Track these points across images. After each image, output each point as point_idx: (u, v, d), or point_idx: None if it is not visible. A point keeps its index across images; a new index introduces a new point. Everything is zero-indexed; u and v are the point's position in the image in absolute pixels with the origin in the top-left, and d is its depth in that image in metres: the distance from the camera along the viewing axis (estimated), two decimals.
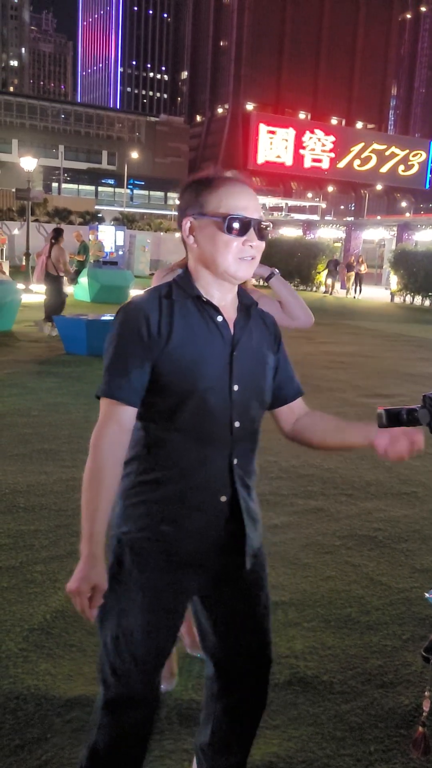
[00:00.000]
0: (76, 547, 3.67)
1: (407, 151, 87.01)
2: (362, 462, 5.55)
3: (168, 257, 29.86)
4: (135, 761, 1.73)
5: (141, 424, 1.64)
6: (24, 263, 22.06)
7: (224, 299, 1.67)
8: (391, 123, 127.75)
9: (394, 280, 26.55)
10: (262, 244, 1.63)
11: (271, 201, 78.42)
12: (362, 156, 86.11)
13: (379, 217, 46.83)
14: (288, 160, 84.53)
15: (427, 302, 25.75)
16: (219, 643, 1.79)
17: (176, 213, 1.83)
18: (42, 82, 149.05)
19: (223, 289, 1.66)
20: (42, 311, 11.89)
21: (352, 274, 28.05)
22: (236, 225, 1.57)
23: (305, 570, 3.62)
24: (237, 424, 1.64)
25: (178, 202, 1.72)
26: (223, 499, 1.65)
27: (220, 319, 1.64)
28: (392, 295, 26.70)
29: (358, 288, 27.81)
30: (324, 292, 28.61)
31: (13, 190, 31.88)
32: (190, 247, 1.65)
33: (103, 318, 9.86)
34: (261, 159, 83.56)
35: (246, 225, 1.58)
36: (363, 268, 28.30)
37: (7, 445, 5.50)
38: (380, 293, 29.23)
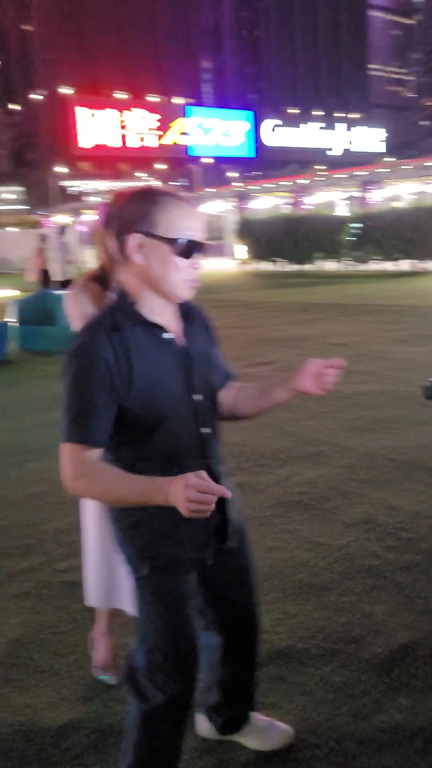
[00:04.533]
0: (12, 570, 3.53)
1: (229, 121, 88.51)
2: (265, 431, 5.68)
3: (8, 253, 28.73)
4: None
5: (114, 455, 1.66)
6: None
7: (168, 314, 1.69)
8: (209, 96, 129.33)
9: (240, 249, 27.13)
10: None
11: (102, 185, 77.21)
12: (185, 131, 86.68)
13: (210, 190, 47.49)
14: (113, 141, 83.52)
15: (274, 267, 26.56)
16: (218, 615, 1.98)
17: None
18: None
19: (165, 306, 1.68)
20: None
21: None
22: (189, 249, 1.60)
23: None
24: (204, 429, 1.72)
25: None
26: None
27: (167, 336, 1.67)
28: (241, 264, 27.31)
29: None
30: None
31: None
32: (133, 264, 1.61)
33: None
34: (85, 143, 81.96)
35: (195, 248, 1.63)
36: None
37: None
38: (226, 263, 29.75)
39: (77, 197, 63.33)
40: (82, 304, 2.38)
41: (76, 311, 2.38)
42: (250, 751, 2.20)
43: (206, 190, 46.85)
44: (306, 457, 5.07)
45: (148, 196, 1.60)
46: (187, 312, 1.75)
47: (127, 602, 2.51)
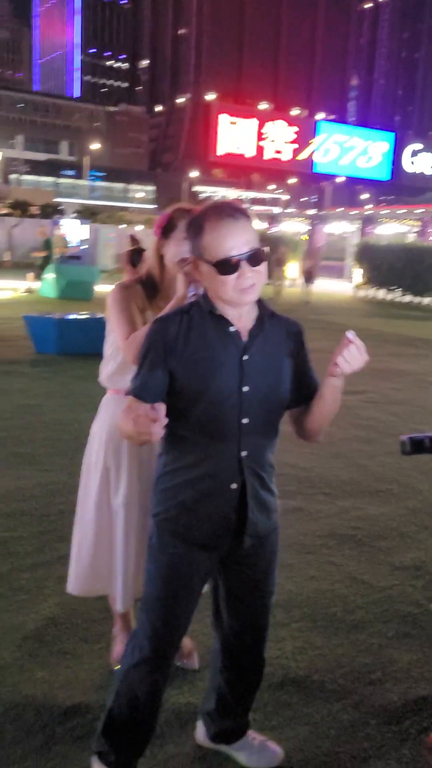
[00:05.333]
0: (62, 553, 3.72)
1: (369, 142, 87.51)
2: (337, 460, 5.66)
3: None
4: (147, 725, 2.06)
5: (166, 426, 1.85)
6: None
7: (239, 312, 1.88)
8: (352, 114, 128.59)
9: (357, 274, 26.78)
10: (260, 268, 1.80)
11: (232, 193, 78.33)
12: (324, 147, 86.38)
13: (339, 209, 47.19)
14: (249, 151, 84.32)
15: (390, 296, 26.07)
16: (227, 620, 2.10)
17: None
18: None
19: (234, 308, 1.87)
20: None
21: (281, 270, 22.65)
22: (226, 267, 1.77)
23: (289, 570, 3.69)
24: (245, 420, 1.86)
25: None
26: (234, 486, 1.89)
27: (232, 329, 1.87)
28: (356, 288, 26.94)
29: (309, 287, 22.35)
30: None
31: None
32: (201, 280, 1.89)
33: (73, 317, 9.81)
34: (222, 150, 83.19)
35: (235, 264, 1.77)
36: (311, 264, 22.53)
37: None
38: (343, 286, 29.47)
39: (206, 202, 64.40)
40: (122, 302, 2.39)
41: (114, 308, 2.39)
42: (239, 766, 2.26)
43: (337, 210, 46.59)
44: (372, 493, 5.02)
45: (192, 226, 1.84)
46: (262, 317, 1.91)
47: (116, 591, 2.62)
